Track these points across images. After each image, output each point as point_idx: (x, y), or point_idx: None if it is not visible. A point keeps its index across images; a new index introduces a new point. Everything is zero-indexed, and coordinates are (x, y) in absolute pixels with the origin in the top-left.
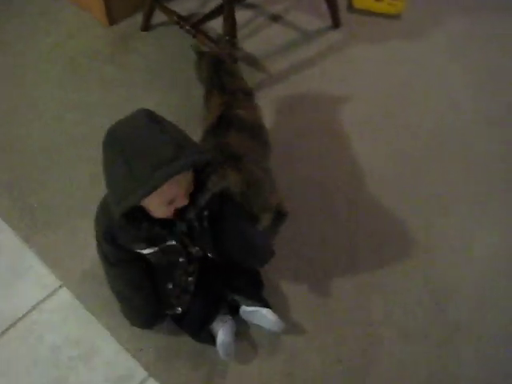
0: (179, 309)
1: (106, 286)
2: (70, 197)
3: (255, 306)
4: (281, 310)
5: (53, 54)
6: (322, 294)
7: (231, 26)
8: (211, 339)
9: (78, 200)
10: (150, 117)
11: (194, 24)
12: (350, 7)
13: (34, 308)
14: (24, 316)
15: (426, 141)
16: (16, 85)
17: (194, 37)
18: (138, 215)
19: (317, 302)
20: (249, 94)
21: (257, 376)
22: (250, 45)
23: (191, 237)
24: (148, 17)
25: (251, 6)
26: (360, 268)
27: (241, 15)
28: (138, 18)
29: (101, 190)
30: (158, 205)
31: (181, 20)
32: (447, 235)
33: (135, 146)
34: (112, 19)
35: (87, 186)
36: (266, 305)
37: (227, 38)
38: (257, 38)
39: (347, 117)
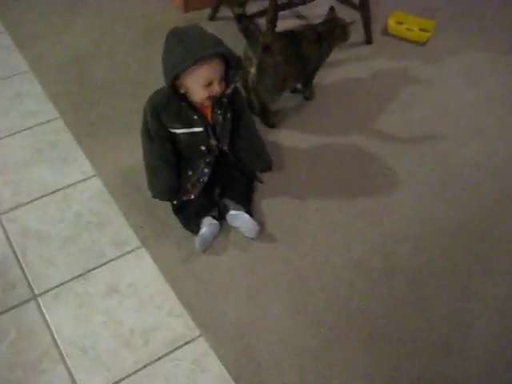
0: (192, 196)
1: (126, 180)
2: (117, 119)
3: (240, 210)
4: (260, 222)
5: (135, 22)
6: (299, 221)
7: (273, 16)
8: (197, 231)
9: (122, 123)
10: (201, 27)
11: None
12: (385, 31)
13: (70, 185)
14: (62, 188)
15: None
16: (99, 38)
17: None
18: (180, 96)
19: (292, 226)
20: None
21: (225, 264)
22: None
23: (214, 131)
24: (215, 9)
25: (301, 17)
26: (340, 210)
27: (290, 22)
28: (209, 11)
29: (138, 119)
30: (199, 86)
31: (236, 12)
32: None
33: (190, 36)
34: (187, 8)
35: (130, 113)
36: (249, 212)
37: (268, 25)
38: None
39: (348, 110)
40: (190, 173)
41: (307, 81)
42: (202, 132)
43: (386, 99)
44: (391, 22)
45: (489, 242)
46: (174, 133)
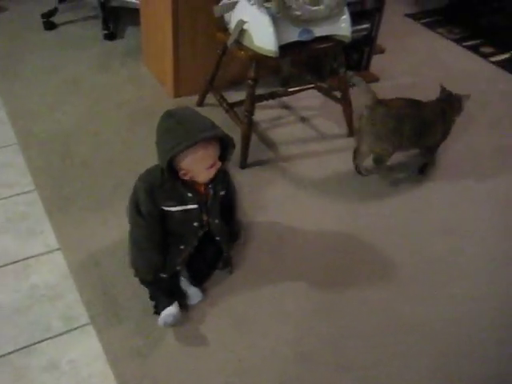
0: (178, 267)
1: (88, 256)
2: (90, 196)
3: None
4: (213, 307)
5: (126, 104)
6: (252, 309)
7: (250, 104)
8: (163, 308)
9: (95, 200)
10: (193, 108)
11: (230, 104)
12: None
13: (32, 257)
14: (24, 259)
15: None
16: (88, 117)
17: (227, 112)
18: (175, 176)
19: (245, 313)
20: None
21: (170, 348)
22: (274, 131)
23: (206, 206)
24: (203, 96)
25: (287, 107)
26: (297, 302)
27: (276, 112)
28: (196, 97)
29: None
30: (203, 168)
31: (221, 99)
32: None
33: (187, 118)
34: (177, 94)
35: (104, 191)
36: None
37: (246, 113)
38: (282, 129)
39: (322, 202)
40: (182, 247)
41: (429, 151)
42: (195, 209)
43: (360, 191)
44: None
45: (449, 345)
46: (168, 211)
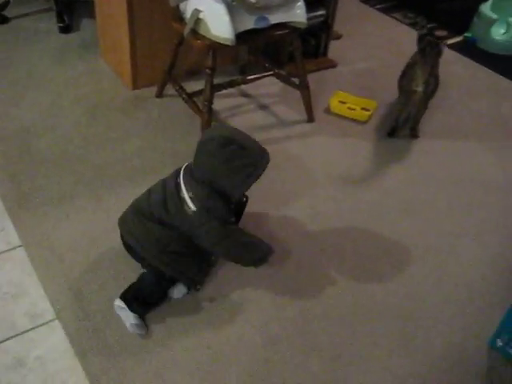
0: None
1: (50, 251)
2: (51, 191)
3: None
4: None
5: (84, 98)
6: (218, 297)
7: (209, 93)
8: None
9: (56, 195)
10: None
11: (189, 94)
12: (328, 110)
13: None
14: None
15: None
16: (46, 113)
17: (186, 102)
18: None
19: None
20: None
21: (138, 338)
22: (234, 119)
23: None
24: (162, 87)
25: (247, 95)
26: (261, 287)
27: (235, 100)
28: (155, 88)
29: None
30: None
31: (180, 89)
32: None
33: (244, 142)
34: (135, 86)
35: (64, 186)
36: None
37: (205, 102)
38: (241, 117)
39: (280, 185)
40: (213, 258)
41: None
42: (233, 221)
43: (319, 175)
44: (333, 102)
45: (414, 321)
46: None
